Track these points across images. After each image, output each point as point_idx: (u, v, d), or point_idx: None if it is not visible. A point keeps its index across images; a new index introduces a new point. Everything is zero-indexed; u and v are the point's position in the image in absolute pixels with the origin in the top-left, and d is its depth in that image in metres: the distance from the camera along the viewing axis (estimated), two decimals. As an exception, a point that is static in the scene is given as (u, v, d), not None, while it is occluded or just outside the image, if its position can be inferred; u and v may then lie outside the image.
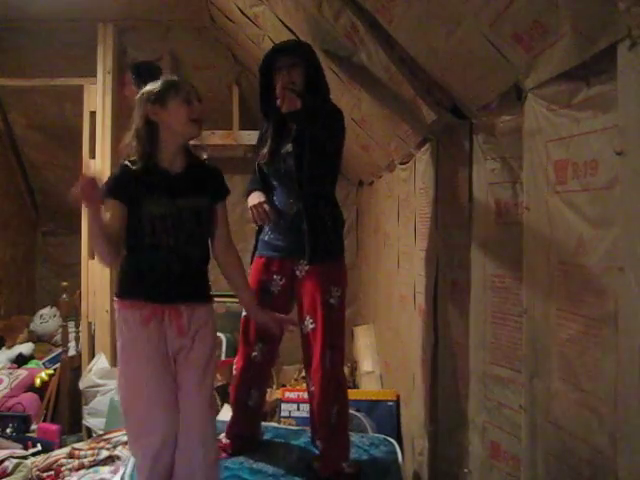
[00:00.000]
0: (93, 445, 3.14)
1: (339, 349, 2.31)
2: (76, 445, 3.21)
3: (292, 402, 3.40)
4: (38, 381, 4.19)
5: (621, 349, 1.14)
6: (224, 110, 4.74)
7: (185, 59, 4.70)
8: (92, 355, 4.44)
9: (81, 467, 2.91)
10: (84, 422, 4.09)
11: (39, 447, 3.39)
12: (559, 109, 1.39)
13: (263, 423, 2.73)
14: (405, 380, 2.90)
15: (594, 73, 1.23)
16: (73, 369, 4.32)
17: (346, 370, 3.72)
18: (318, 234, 2.25)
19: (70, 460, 2.98)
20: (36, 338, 5.07)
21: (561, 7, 1.22)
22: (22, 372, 4.29)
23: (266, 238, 2.37)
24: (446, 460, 2.26)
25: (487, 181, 1.87)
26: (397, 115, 2.56)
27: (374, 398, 3.31)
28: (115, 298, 1.98)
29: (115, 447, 3.07)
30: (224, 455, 2.41)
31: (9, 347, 4.85)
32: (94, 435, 3.78)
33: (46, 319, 5.18)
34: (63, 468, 2.92)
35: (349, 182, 5.09)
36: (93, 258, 4.53)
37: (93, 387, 4.12)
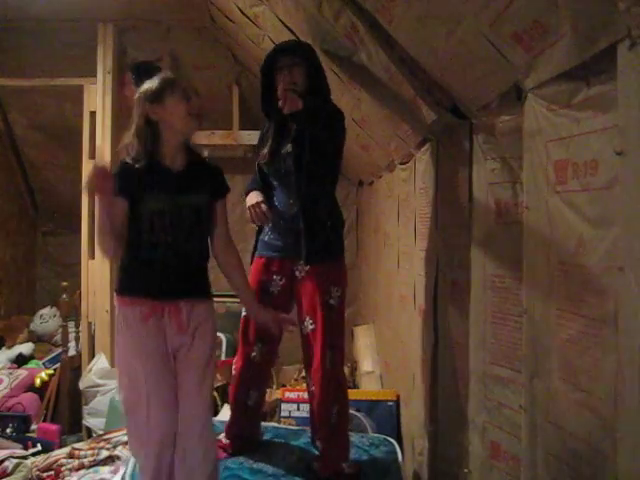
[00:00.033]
0: (93, 445, 3.14)
1: (339, 349, 2.31)
2: (76, 445, 3.21)
3: (292, 402, 3.39)
4: (38, 381, 4.19)
5: (621, 349, 1.14)
6: (224, 110, 4.74)
7: (185, 59, 4.70)
8: (92, 355, 4.43)
9: (81, 467, 2.91)
10: (84, 422, 4.09)
11: (39, 447, 3.39)
12: (559, 109, 1.39)
13: (263, 423, 2.73)
14: (405, 380, 2.90)
15: (594, 73, 1.23)
16: (73, 369, 4.32)
17: (346, 370, 3.72)
18: (315, 234, 2.24)
19: (70, 460, 2.98)
20: (36, 338, 5.07)
21: (561, 7, 1.22)
22: (22, 372, 4.30)
23: (266, 238, 2.37)
24: (446, 460, 2.26)
25: (487, 181, 1.87)
26: (397, 115, 2.56)
27: (374, 398, 3.31)
28: (115, 295, 1.99)
29: (115, 447, 3.07)
30: (224, 455, 2.41)
31: (9, 347, 4.85)
32: (94, 435, 3.78)
33: (46, 319, 5.18)
34: (63, 468, 2.92)
35: (349, 182, 5.09)
36: (93, 258, 4.54)
37: (93, 387, 4.12)
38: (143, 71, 1.99)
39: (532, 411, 1.56)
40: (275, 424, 3.17)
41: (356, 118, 3.03)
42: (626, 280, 1.11)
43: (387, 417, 3.21)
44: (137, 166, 1.89)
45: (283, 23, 2.89)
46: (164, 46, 4.56)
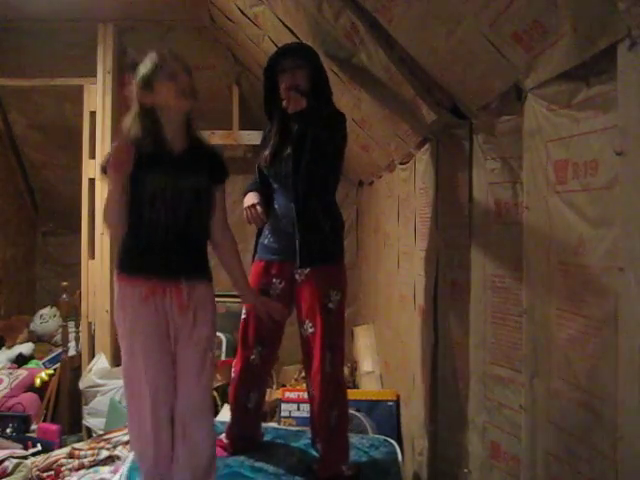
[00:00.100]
0: (93, 445, 3.14)
1: (339, 352, 2.31)
2: (76, 445, 3.21)
3: (292, 402, 3.39)
4: (38, 381, 4.19)
5: (621, 349, 1.14)
6: (224, 110, 4.74)
7: (185, 59, 4.69)
8: (92, 355, 4.44)
9: (81, 467, 2.91)
10: (84, 422, 4.09)
11: (39, 447, 3.39)
12: (559, 109, 1.39)
13: (263, 424, 2.73)
14: (405, 380, 2.90)
15: (594, 73, 1.23)
16: (73, 369, 4.33)
17: (346, 370, 3.73)
18: (312, 237, 2.23)
19: (70, 460, 2.98)
20: (36, 338, 5.07)
21: (561, 7, 1.22)
22: (22, 372, 4.30)
23: (265, 242, 2.36)
24: (446, 460, 2.26)
25: (487, 181, 1.87)
26: (397, 115, 2.56)
27: (374, 398, 3.31)
28: (115, 272, 2.00)
29: (115, 447, 3.07)
30: (224, 454, 2.42)
31: (9, 347, 4.85)
32: (94, 435, 3.78)
33: (46, 319, 5.18)
34: (63, 468, 2.92)
35: (349, 182, 5.09)
36: (93, 258, 4.54)
37: (93, 387, 4.12)
38: None
39: (532, 411, 1.56)
40: (275, 425, 3.17)
41: (356, 118, 3.03)
42: (626, 280, 1.11)
43: (387, 417, 3.21)
44: (137, 146, 1.90)
45: (283, 23, 2.89)
46: (164, 46, 4.56)
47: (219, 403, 3.68)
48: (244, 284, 2.17)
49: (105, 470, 2.85)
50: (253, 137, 4.69)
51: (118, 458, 2.93)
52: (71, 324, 4.48)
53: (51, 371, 4.30)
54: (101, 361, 4.31)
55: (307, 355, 2.31)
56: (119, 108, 4.43)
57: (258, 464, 2.37)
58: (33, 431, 3.81)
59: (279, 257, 2.31)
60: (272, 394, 3.75)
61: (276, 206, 2.33)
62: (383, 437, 2.76)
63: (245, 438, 2.49)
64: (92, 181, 4.55)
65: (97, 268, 4.51)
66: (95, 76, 4.50)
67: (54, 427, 3.79)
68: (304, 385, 2.89)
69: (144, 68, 1.93)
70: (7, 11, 4.30)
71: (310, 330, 2.26)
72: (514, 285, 1.71)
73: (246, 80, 4.87)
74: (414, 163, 2.66)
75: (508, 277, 1.76)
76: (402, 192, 2.99)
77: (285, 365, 4.53)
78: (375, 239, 4.16)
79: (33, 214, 5.83)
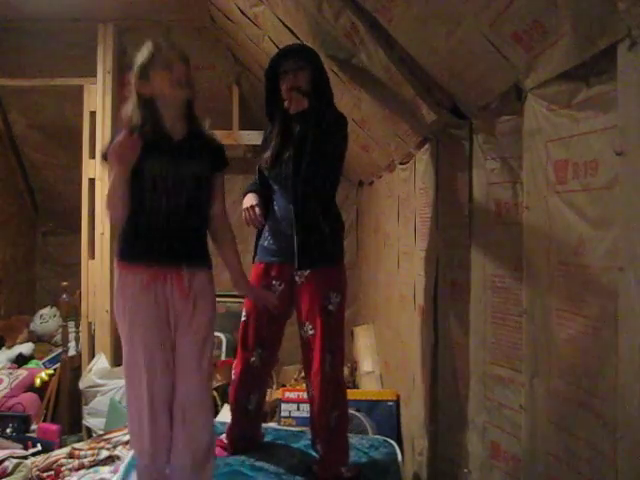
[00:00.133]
0: (93, 445, 3.14)
1: (339, 353, 2.31)
2: (76, 445, 3.21)
3: (292, 402, 3.39)
4: (38, 381, 4.19)
5: (621, 349, 1.14)
6: (224, 110, 4.74)
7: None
8: (92, 355, 4.44)
9: (81, 467, 2.91)
10: (84, 422, 4.09)
11: (39, 447, 3.39)
12: (559, 109, 1.39)
13: (263, 424, 2.73)
14: (405, 380, 2.90)
15: (594, 73, 1.23)
16: (73, 369, 4.33)
17: (346, 370, 3.73)
18: (311, 239, 2.23)
19: (70, 460, 2.98)
20: (36, 338, 5.07)
21: (561, 7, 1.22)
22: (22, 372, 4.30)
23: (265, 244, 2.36)
24: (446, 460, 2.26)
25: (487, 181, 1.87)
26: (397, 115, 2.56)
27: (374, 398, 3.31)
28: (116, 259, 2.00)
29: (115, 447, 3.07)
30: (225, 454, 2.42)
31: (9, 347, 4.85)
32: (94, 435, 3.78)
33: (46, 319, 5.18)
34: (63, 468, 2.92)
35: (349, 182, 5.09)
36: (93, 258, 4.54)
37: (93, 387, 4.12)
38: None
39: (532, 411, 1.56)
40: (275, 425, 3.17)
41: (356, 118, 3.03)
42: (626, 280, 1.11)
43: (387, 417, 3.21)
44: (138, 133, 1.91)
45: (283, 23, 2.89)
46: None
47: (219, 403, 3.68)
48: (239, 273, 2.16)
49: (105, 470, 2.85)
50: (253, 137, 4.69)
51: (118, 458, 2.93)
52: (71, 324, 4.48)
53: (51, 371, 4.30)
54: (101, 361, 4.31)
55: (307, 357, 2.31)
56: (119, 108, 4.43)
57: (259, 464, 2.37)
58: (33, 431, 3.80)
59: (278, 259, 2.31)
60: (272, 394, 3.74)
61: (276, 208, 2.33)
62: (383, 438, 2.76)
63: (245, 438, 2.49)
64: (92, 181, 4.55)
65: (97, 268, 4.51)
66: (95, 76, 4.50)
67: (54, 427, 3.79)
68: (304, 385, 2.89)
69: (140, 57, 1.95)
70: (7, 11, 4.30)
71: (310, 332, 2.26)
72: (514, 285, 1.71)
73: (246, 80, 4.87)
74: (414, 163, 2.67)
75: (508, 277, 1.76)
76: (402, 192, 2.99)
77: (285, 365, 4.53)
78: (375, 239, 4.16)
79: (33, 214, 5.83)
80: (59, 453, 3.12)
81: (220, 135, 4.70)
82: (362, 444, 2.61)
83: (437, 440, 2.33)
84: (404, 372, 2.93)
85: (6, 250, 5.42)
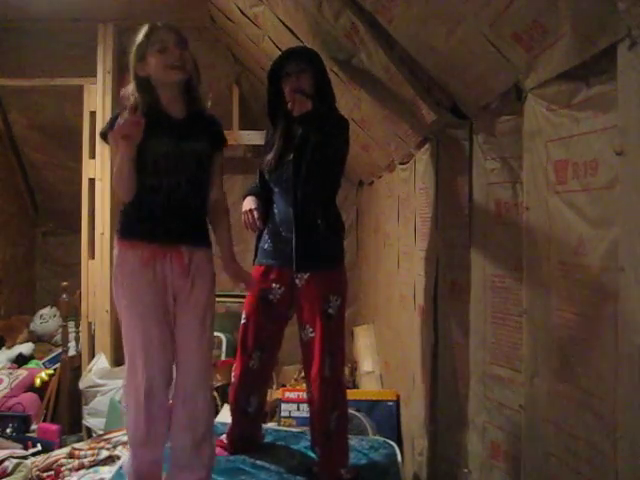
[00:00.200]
0: (93, 445, 3.14)
1: (339, 355, 2.31)
2: (76, 445, 3.21)
3: (292, 402, 3.39)
4: (38, 381, 4.19)
5: (621, 349, 1.14)
6: (224, 110, 4.74)
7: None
8: (92, 355, 4.44)
9: (81, 467, 2.92)
10: (84, 422, 4.09)
11: (39, 447, 3.39)
12: (559, 109, 1.39)
13: (263, 425, 2.73)
14: (405, 380, 2.90)
15: (594, 73, 1.23)
16: (73, 369, 4.33)
17: (346, 370, 3.73)
18: (310, 242, 2.22)
19: (70, 460, 2.98)
20: (36, 338, 5.07)
21: (561, 7, 1.22)
22: (22, 372, 4.30)
23: (265, 246, 2.35)
24: (446, 460, 2.26)
25: (487, 181, 1.87)
26: (397, 115, 2.56)
27: (374, 398, 3.31)
28: (116, 237, 2.01)
29: (115, 447, 3.08)
30: (225, 454, 2.42)
31: (9, 347, 4.85)
32: (94, 435, 3.79)
33: (46, 319, 5.18)
34: (63, 468, 2.92)
35: (349, 182, 5.08)
36: (93, 258, 4.54)
37: (93, 387, 4.12)
38: None
39: (532, 411, 1.56)
40: (275, 426, 3.17)
41: (356, 118, 3.03)
42: (626, 280, 1.11)
43: (387, 417, 3.21)
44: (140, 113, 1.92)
45: (283, 23, 2.89)
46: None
47: (219, 403, 3.68)
48: (229, 254, 2.16)
49: (105, 470, 2.85)
50: (253, 137, 4.69)
51: (118, 458, 2.94)
52: (71, 324, 4.48)
53: (51, 371, 4.31)
54: (101, 361, 4.31)
55: (307, 359, 2.31)
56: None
57: (259, 463, 2.38)
58: (33, 431, 3.81)
59: (278, 262, 2.30)
60: (272, 394, 3.74)
61: (276, 211, 2.32)
62: (383, 439, 2.76)
63: (246, 439, 2.49)
64: (92, 181, 4.55)
65: (97, 268, 4.51)
66: (95, 76, 4.50)
67: (54, 427, 3.80)
68: (304, 385, 2.89)
69: (137, 39, 1.97)
70: (7, 11, 4.30)
71: (310, 335, 2.26)
72: (514, 285, 1.71)
73: (246, 80, 4.87)
74: (414, 163, 2.66)
75: (508, 277, 1.76)
76: (402, 192, 2.99)
77: (285, 365, 4.53)
78: (375, 239, 4.16)
79: (33, 214, 5.83)
80: (59, 453, 3.13)
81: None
82: (362, 445, 2.60)
83: (437, 440, 2.33)
84: (404, 372, 2.93)
85: (6, 250, 5.43)
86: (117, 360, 4.32)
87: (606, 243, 1.21)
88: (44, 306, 5.32)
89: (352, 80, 2.64)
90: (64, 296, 4.36)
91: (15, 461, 3.05)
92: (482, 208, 1.91)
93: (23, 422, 3.83)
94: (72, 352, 4.42)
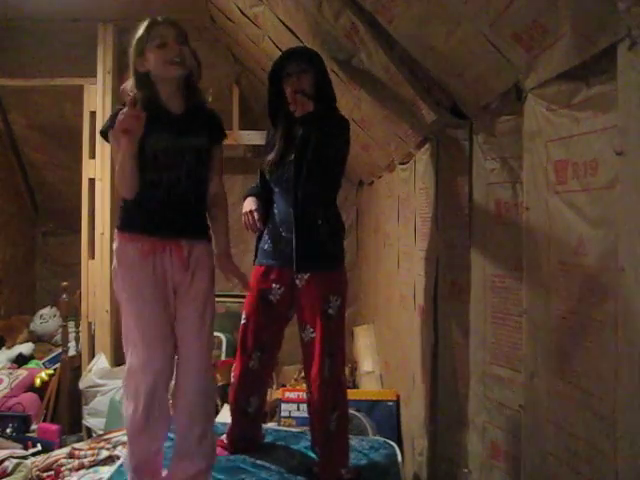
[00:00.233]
0: (93, 445, 3.14)
1: (339, 355, 2.31)
2: (76, 445, 3.21)
3: (292, 402, 3.39)
4: (38, 381, 4.19)
5: (621, 349, 1.14)
6: (224, 110, 4.74)
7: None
8: (92, 355, 4.44)
9: (81, 467, 2.92)
10: (84, 422, 4.09)
11: (39, 447, 3.39)
12: (559, 109, 1.39)
13: (263, 425, 2.73)
14: (405, 380, 2.90)
15: (594, 73, 1.23)
16: (73, 369, 4.33)
17: (346, 370, 3.72)
18: (310, 242, 2.22)
19: (70, 460, 2.98)
20: (36, 338, 5.07)
21: (561, 7, 1.22)
22: (22, 372, 4.30)
23: (265, 247, 2.35)
24: (446, 460, 2.26)
25: (487, 181, 1.87)
26: (397, 115, 2.56)
27: (374, 398, 3.31)
28: (116, 231, 2.01)
29: (115, 447, 3.08)
30: (225, 454, 2.42)
31: (9, 347, 4.85)
32: (94, 435, 3.79)
33: (46, 319, 5.18)
34: (63, 468, 2.92)
35: (349, 182, 5.08)
36: (93, 258, 4.54)
37: (93, 387, 4.12)
38: None
39: (532, 411, 1.56)
40: (275, 426, 3.17)
41: (356, 118, 3.03)
42: (626, 280, 1.11)
43: (387, 417, 3.21)
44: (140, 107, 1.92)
45: (283, 23, 2.89)
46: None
47: (219, 403, 3.68)
48: (224, 248, 2.16)
49: (105, 470, 2.85)
50: (253, 137, 4.69)
51: (118, 458, 2.94)
52: (71, 324, 4.48)
53: (51, 371, 4.31)
54: (101, 361, 4.31)
55: (307, 359, 2.30)
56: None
57: (260, 462, 2.39)
58: (33, 431, 3.81)
59: (278, 262, 2.30)
60: (272, 394, 3.74)
61: (276, 211, 2.32)
62: (383, 439, 2.76)
63: (246, 439, 2.49)
64: (92, 181, 4.55)
65: (97, 268, 4.51)
66: (95, 76, 4.50)
67: (54, 427, 3.80)
68: (304, 385, 2.89)
69: (137, 34, 1.97)
70: (7, 11, 4.30)
71: (311, 335, 2.26)
72: (514, 285, 1.71)
73: (246, 80, 4.87)
74: (414, 163, 2.66)
75: (508, 277, 1.76)
76: (402, 192, 2.99)
77: (285, 365, 4.53)
78: (375, 239, 4.16)
79: (33, 214, 5.83)
80: (59, 453, 3.13)
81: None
82: (362, 445, 2.60)
83: (437, 440, 2.33)
84: (404, 372, 2.93)
85: (6, 250, 5.42)
86: (117, 360, 4.32)
87: (606, 243, 1.21)
88: (44, 306, 5.32)
89: (352, 80, 2.64)
90: (64, 296, 4.36)
91: (15, 461, 3.06)
92: (482, 208, 1.92)
93: (23, 422, 3.83)
94: (72, 352, 4.42)
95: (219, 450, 2.33)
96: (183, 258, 1.96)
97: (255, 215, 2.32)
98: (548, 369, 1.46)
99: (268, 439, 2.63)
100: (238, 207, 2.42)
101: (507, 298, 1.77)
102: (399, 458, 2.53)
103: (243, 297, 2.49)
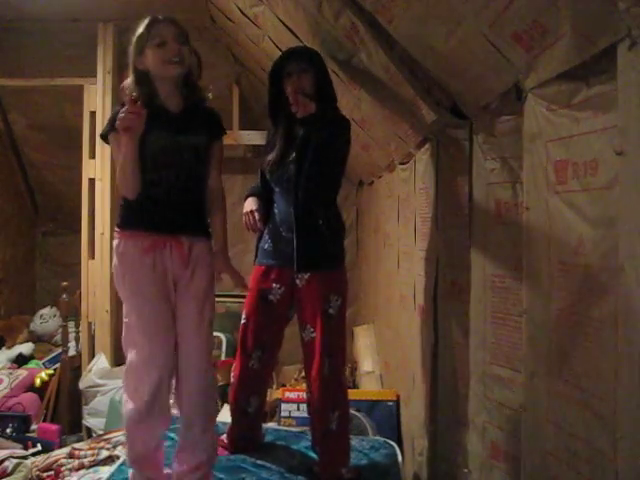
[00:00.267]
0: (93, 445, 3.14)
1: (340, 355, 2.31)
2: (76, 445, 3.21)
3: (292, 402, 3.39)
4: (38, 381, 4.19)
5: (621, 349, 1.14)
6: (224, 110, 4.73)
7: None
8: (92, 355, 4.44)
9: (81, 467, 2.91)
10: (84, 422, 4.09)
11: (39, 447, 3.39)
12: (559, 109, 1.39)
13: (263, 425, 2.73)
14: (405, 380, 2.90)
15: (594, 73, 1.23)
16: (73, 369, 4.33)
17: (346, 370, 3.72)
18: (310, 242, 2.22)
19: (70, 460, 2.98)
20: (36, 338, 5.07)
21: (561, 7, 1.22)
22: (22, 372, 4.30)
23: (265, 246, 2.35)
24: (446, 460, 2.26)
25: (487, 181, 1.87)
26: (397, 115, 2.56)
27: (374, 398, 3.31)
28: (116, 229, 2.02)
29: (115, 447, 3.07)
30: (225, 453, 2.43)
31: (9, 347, 4.85)
32: (94, 435, 3.78)
33: (46, 319, 5.18)
34: (63, 468, 2.92)
35: (349, 182, 5.08)
36: (93, 258, 4.54)
37: (93, 387, 4.12)
38: None
39: (532, 411, 1.56)
40: (275, 426, 3.17)
41: (356, 118, 3.03)
42: (626, 280, 1.11)
43: (387, 417, 3.21)
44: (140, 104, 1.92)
45: (283, 23, 2.89)
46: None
47: (219, 403, 3.68)
48: (220, 246, 2.15)
49: (105, 470, 2.85)
50: (253, 137, 4.69)
51: (118, 458, 2.93)
52: (71, 324, 4.48)
53: (51, 371, 4.31)
54: (101, 361, 4.31)
55: (308, 359, 2.30)
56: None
57: (260, 462, 2.39)
58: (33, 431, 3.81)
59: (278, 262, 2.30)
60: (272, 394, 3.75)
61: (276, 211, 2.32)
62: (383, 439, 2.75)
63: (246, 439, 2.49)
64: (92, 181, 4.55)
65: (97, 268, 4.51)
66: (95, 76, 4.50)
67: (54, 427, 3.80)
68: (304, 385, 2.89)
69: (137, 32, 1.98)
70: (7, 11, 4.30)
71: (311, 335, 2.26)
72: (514, 285, 1.71)
73: (246, 80, 4.87)
74: (414, 163, 2.66)
75: (508, 277, 1.76)
76: (402, 192, 2.99)
77: (285, 365, 4.53)
78: (375, 239, 4.16)
79: (33, 214, 5.83)
80: (59, 453, 3.13)
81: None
82: (362, 445, 2.60)
83: (437, 440, 2.33)
84: (404, 372, 2.93)
85: (6, 250, 5.42)
86: (117, 360, 4.32)
87: (606, 243, 1.21)
88: (44, 306, 5.32)
89: (352, 80, 2.64)
90: (64, 296, 4.36)
91: (15, 461, 3.05)
92: (482, 208, 1.92)
93: (23, 422, 3.83)
94: (72, 352, 4.42)
95: (219, 450, 2.33)
96: (183, 255, 1.97)
97: (256, 215, 2.32)
98: (548, 369, 1.46)
99: (268, 439, 2.63)
100: (238, 207, 2.42)
101: (507, 298, 1.77)
102: (399, 458, 2.53)
103: (243, 297, 2.49)
